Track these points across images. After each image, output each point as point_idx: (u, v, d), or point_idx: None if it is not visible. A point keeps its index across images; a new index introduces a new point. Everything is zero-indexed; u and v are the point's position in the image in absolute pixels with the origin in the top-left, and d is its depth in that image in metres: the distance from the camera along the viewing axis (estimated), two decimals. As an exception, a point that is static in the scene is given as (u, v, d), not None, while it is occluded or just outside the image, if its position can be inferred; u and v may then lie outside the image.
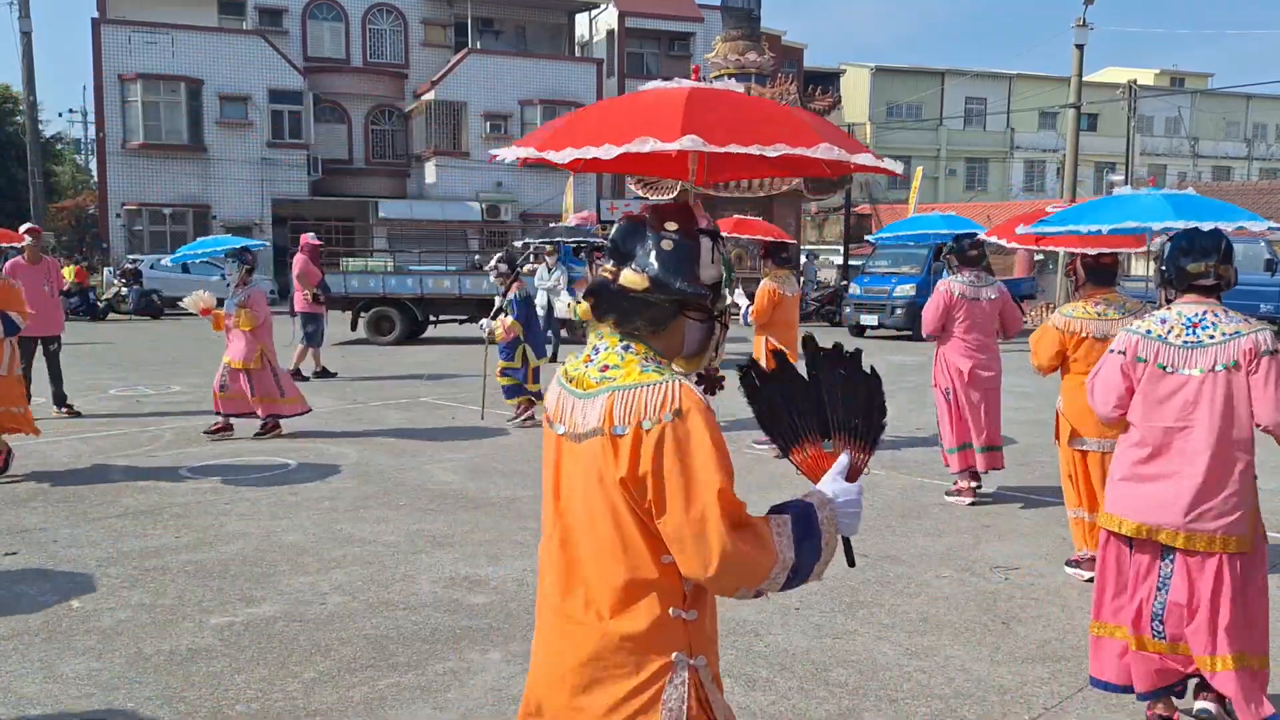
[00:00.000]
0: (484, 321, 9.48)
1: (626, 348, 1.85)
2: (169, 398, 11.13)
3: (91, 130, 37.90)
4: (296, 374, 12.73)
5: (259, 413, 8.60)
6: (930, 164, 40.52)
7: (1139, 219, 4.49)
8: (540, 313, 14.82)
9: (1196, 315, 3.34)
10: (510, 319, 9.14)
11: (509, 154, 2.53)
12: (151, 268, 26.85)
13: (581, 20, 39.29)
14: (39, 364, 9.66)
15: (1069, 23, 23.58)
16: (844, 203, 32.21)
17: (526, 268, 22.39)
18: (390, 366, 14.20)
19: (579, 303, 9.61)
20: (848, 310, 21.02)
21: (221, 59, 31.54)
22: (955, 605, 4.69)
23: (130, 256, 28.12)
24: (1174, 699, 3.43)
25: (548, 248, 15.47)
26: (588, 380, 1.85)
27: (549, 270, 14.98)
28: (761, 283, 8.41)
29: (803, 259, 27.39)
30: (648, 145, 1.94)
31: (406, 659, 4.04)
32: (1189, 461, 3.24)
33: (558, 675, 1.87)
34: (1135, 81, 32.45)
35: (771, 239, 9.66)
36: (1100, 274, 5.08)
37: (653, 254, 1.82)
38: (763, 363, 1.95)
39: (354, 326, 18.38)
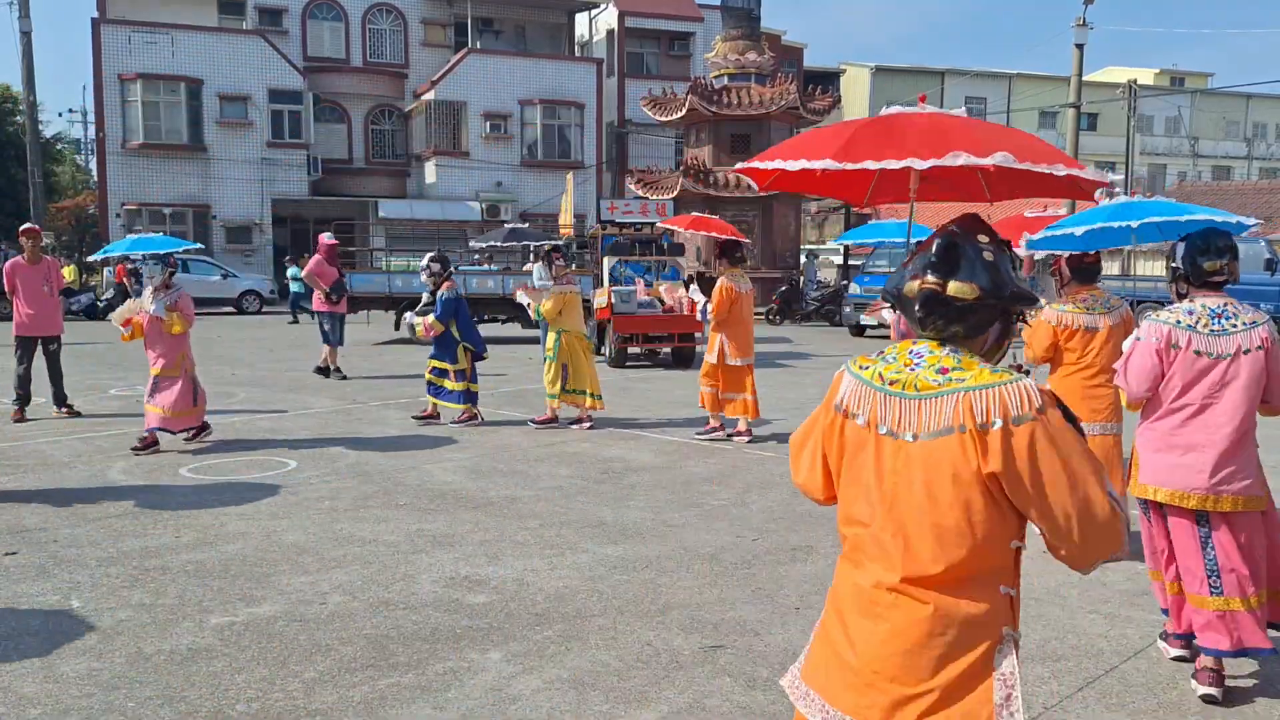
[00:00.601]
0: (409, 316, 9.31)
1: (954, 351, 2.05)
2: (169, 397, 11.12)
3: (91, 130, 37.93)
4: (328, 372, 12.75)
5: (153, 423, 7.96)
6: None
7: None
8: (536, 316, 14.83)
9: (1219, 308, 3.80)
10: (431, 317, 9.14)
11: (803, 165, 2.85)
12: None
13: (581, 20, 39.29)
14: (38, 363, 9.67)
15: (1069, 22, 23.60)
16: (844, 202, 32.21)
17: (525, 266, 22.43)
18: (390, 366, 14.21)
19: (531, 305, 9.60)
20: (847, 310, 21.04)
21: (221, 59, 31.55)
22: (955, 605, 4.68)
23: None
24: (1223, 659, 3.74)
25: (546, 246, 15.46)
26: (924, 383, 2.02)
27: (548, 268, 14.95)
28: (718, 280, 8.51)
29: (803, 259, 27.40)
30: (960, 159, 2.31)
31: (406, 659, 4.04)
32: (1214, 433, 3.71)
33: (889, 662, 2.00)
34: (1135, 81, 32.46)
35: (726, 237, 9.81)
36: (1084, 272, 5.49)
37: (977, 265, 2.02)
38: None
39: (397, 326, 18.40)
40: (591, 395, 9.28)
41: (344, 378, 12.70)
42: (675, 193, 21.89)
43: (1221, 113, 50.55)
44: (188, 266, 27.72)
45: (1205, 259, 3.80)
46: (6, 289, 9.56)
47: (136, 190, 30.95)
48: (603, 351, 15.46)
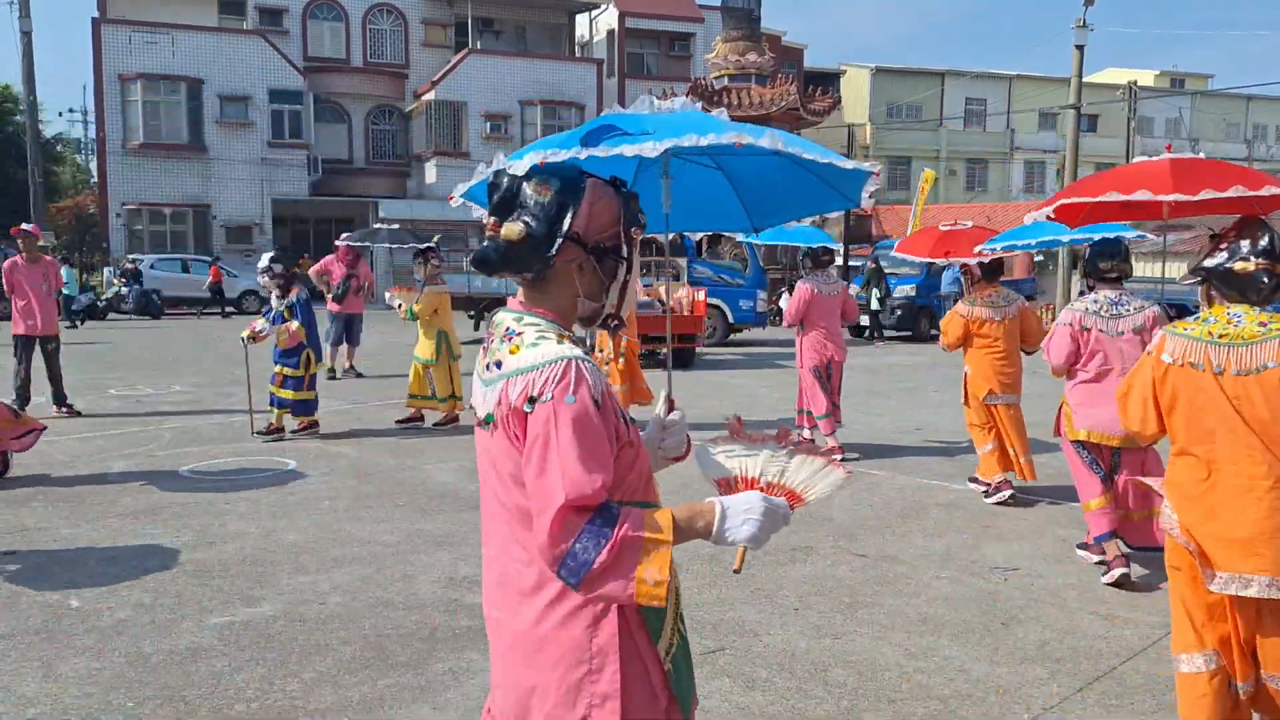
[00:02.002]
0: (259, 324, 8.55)
1: (1264, 310, 2.91)
2: (169, 398, 11.13)
3: (92, 130, 37.93)
4: (332, 374, 12.74)
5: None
6: (930, 165, 40.48)
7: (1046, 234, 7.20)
8: None
9: (1116, 297, 5.16)
10: (296, 324, 8.43)
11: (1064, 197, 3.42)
12: (152, 267, 26.88)
13: (582, 20, 39.27)
14: (36, 362, 9.67)
15: (1069, 23, 23.60)
16: (844, 203, 32.15)
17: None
18: (390, 366, 14.19)
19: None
20: None
21: (222, 59, 31.54)
22: (954, 606, 4.69)
23: (130, 256, 28.13)
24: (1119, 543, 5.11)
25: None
26: (1250, 333, 2.87)
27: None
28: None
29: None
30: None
31: (406, 659, 4.04)
32: (1113, 389, 4.63)
33: (1268, 524, 2.82)
34: (1135, 82, 32.49)
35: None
36: (992, 272, 6.85)
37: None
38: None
39: (476, 326, 18.46)
40: (455, 398, 9.27)
41: (332, 377, 12.67)
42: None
43: (1222, 114, 50.53)
44: (187, 267, 27.76)
45: (1101, 260, 5.17)
46: (6, 289, 9.57)
47: (137, 190, 30.94)
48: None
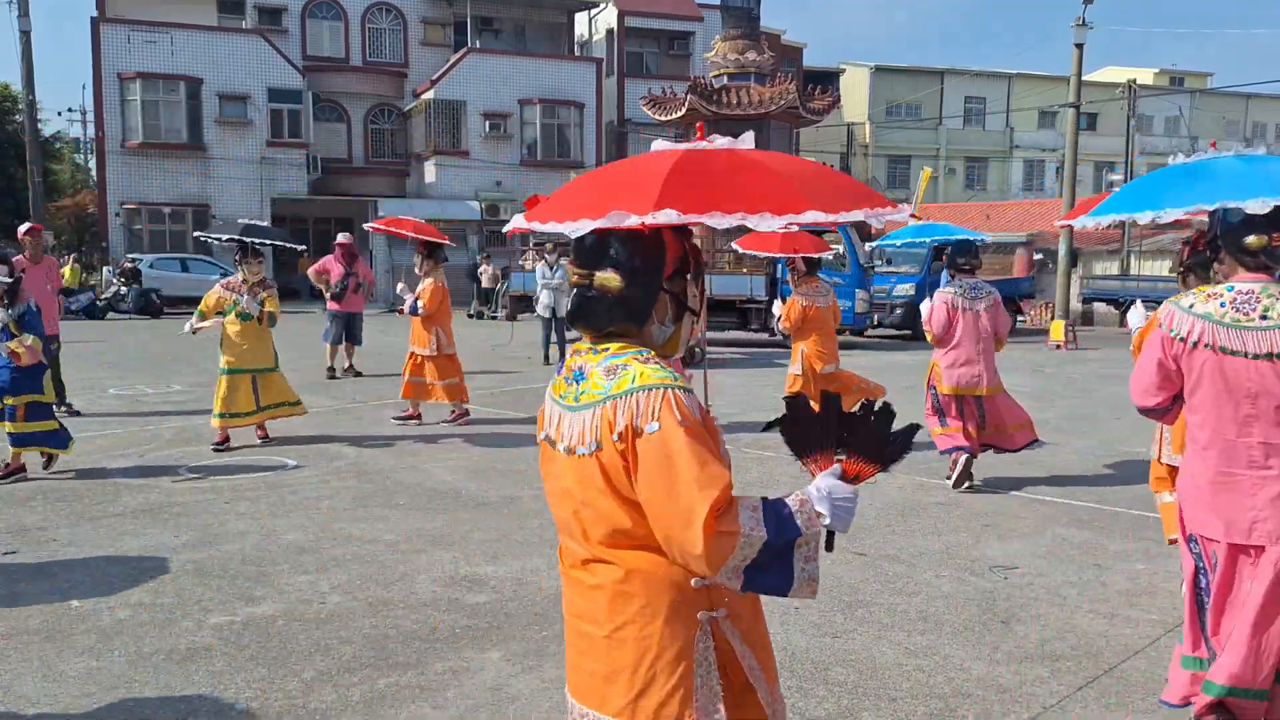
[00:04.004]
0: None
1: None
2: (169, 397, 11.13)
3: (91, 129, 37.88)
4: (331, 373, 12.73)
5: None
6: (930, 163, 40.49)
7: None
8: (544, 314, 14.78)
9: (973, 283, 7.27)
10: (31, 338, 6.86)
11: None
12: (151, 266, 26.86)
13: (581, 19, 39.24)
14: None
15: (1068, 22, 23.58)
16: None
17: (526, 266, 22.40)
18: (390, 366, 14.18)
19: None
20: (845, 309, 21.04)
21: (221, 58, 31.50)
22: (954, 604, 4.69)
23: (129, 255, 28.11)
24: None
25: (548, 245, 15.34)
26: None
27: (550, 268, 14.86)
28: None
29: (802, 258, 27.32)
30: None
31: (406, 658, 4.04)
32: (973, 353, 7.07)
33: None
34: (1135, 81, 32.45)
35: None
36: (814, 266, 8.37)
37: None
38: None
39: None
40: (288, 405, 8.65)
41: (332, 376, 12.68)
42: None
43: (1221, 113, 50.51)
44: (187, 266, 27.74)
45: (960, 257, 7.22)
46: None
47: (136, 189, 30.91)
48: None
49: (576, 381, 1.94)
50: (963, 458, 6.92)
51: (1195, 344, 3.07)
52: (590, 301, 1.93)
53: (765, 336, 18.13)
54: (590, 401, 1.88)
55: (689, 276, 2.00)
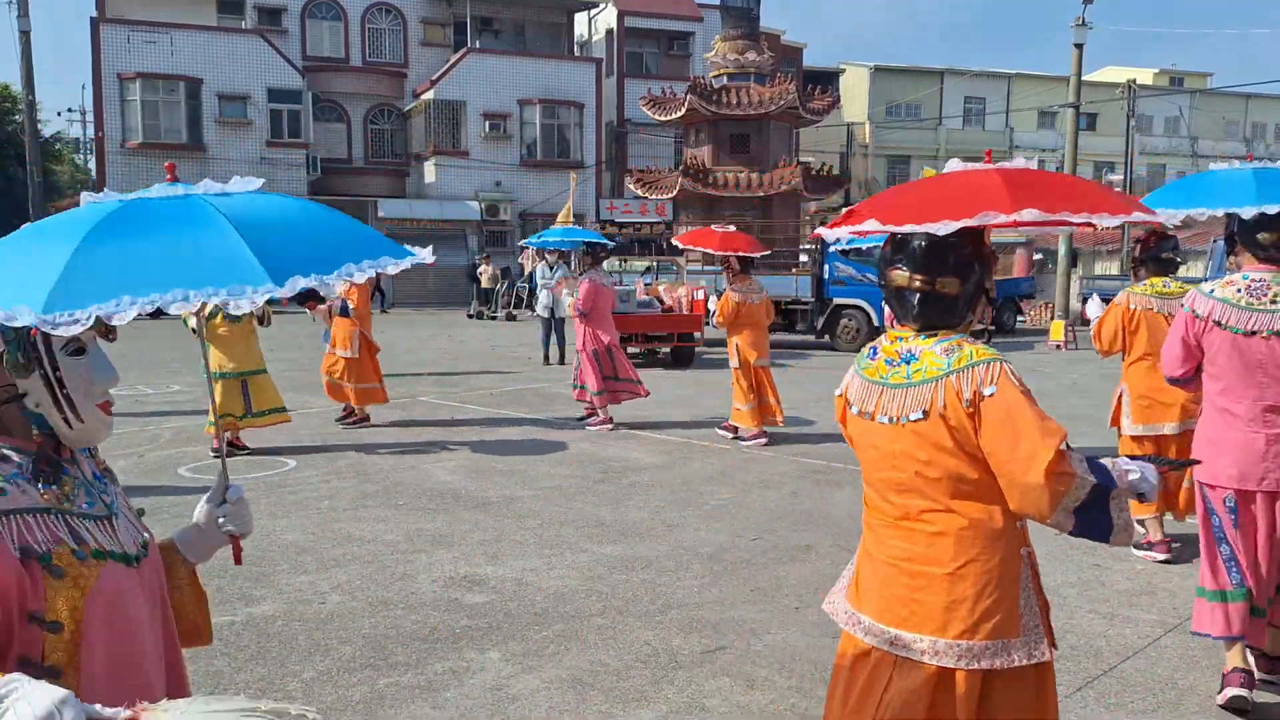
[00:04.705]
0: None
1: None
2: (169, 397, 11.12)
3: (90, 129, 37.87)
4: None
5: None
6: (929, 163, 40.49)
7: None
8: (543, 314, 14.80)
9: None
10: None
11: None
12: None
13: (581, 19, 39.24)
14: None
15: (1068, 22, 23.59)
16: (843, 202, 32.20)
17: (526, 267, 22.41)
18: (390, 366, 14.18)
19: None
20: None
21: (220, 58, 31.50)
22: (954, 605, 4.69)
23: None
24: None
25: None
26: None
27: (550, 269, 14.90)
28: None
29: (802, 257, 27.35)
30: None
31: (405, 658, 4.04)
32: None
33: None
34: (1134, 81, 32.46)
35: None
36: (747, 265, 8.79)
37: None
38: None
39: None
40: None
41: None
42: (674, 192, 21.86)
43: (1221, 113, 50.53)
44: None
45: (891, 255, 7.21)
46: None
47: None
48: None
49: (907, 362, 2.30)
50: None
51: (1218, 322, 3.59)
52: (931, 302, 2.31)
53: (812, 338, 18.00)
54: (931, 377, 2.24)
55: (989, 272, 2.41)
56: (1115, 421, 5.64)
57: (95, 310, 1.33)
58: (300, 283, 1.45)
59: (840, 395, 2.47)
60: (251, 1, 33.46)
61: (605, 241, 11.42)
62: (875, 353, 2.39)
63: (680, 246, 9.83)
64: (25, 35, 26.10)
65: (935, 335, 2.31)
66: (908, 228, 2.24)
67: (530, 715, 3.57)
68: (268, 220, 1.57)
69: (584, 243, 10.25)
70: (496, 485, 7.04)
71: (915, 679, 2.25)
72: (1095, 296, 5.83)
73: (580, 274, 9.57)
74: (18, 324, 1.33)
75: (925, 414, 2.23)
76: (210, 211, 1.56)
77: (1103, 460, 2.16)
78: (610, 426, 9.25)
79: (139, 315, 1.38)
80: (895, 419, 2.27)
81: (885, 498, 2.35)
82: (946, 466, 2.23)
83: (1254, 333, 3.51)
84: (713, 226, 10.37)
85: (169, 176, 1.79)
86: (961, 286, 2.30)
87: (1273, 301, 3.52)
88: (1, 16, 52.27)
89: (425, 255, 1.68)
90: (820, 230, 2.63)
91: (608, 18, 37.83)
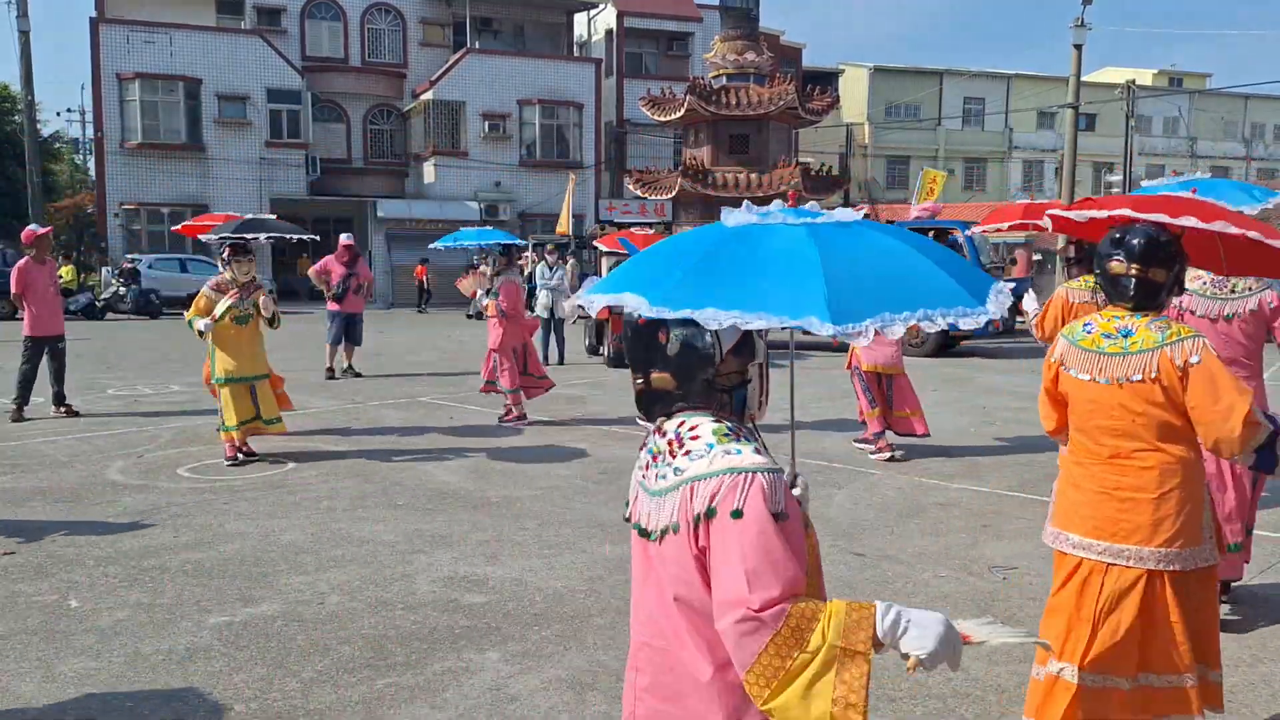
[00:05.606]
0: None
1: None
2: (168, 398, 11.12)
3: (90, 129, 37.88)
4: (331, 374, 12.76)
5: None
6: (929, 164, 40.47)
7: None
8: (543, 315, 14.79)
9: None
10: None
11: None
12: (150, 267, 26.85)
13: (580, 20, 39.22)
14: (41, 364, 9.67)
15: (1067, 23, 23.59)
16: (843, 202, 32.20)
17: (525, 267, 22.37)
18: (390, 366, 14.19)
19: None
20: None
21: (220, 58, 31.48)
22: (953, 605, 4.69)
23: (128, 256, 28.10)
24: None
25: (549, 245, 15.36)
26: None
27: (550, 269, 14.88)
28: None
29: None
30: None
31: (405, 658, 4.04)
32: (882, 341, 7.74)
33: None
34: (1134, 81, 32.49)
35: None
36: None
37: None
38: None
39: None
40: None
41: (331, 377, 12.70)
42: (674, 193, 21.84)
43: (1220, 113, 50.55)
44: (186, 266, 27.72)
45: None
46: (18, 290, 9.61)
47: (135, 190, 30.90)
48: (601, 351, 15.46)
49: (1125, 336, 2.94)
50: (884, 442, 8.09)
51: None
52: (1143, 287, 2.95)
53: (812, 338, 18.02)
54: (1148, 347, 2.89)
55: None
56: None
57: (870, 324, 1.74)
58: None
59: (1055, 362, 3.12)
60: (251, 2, 33.45)
61: (520, 243, 12.03)
62: (1091, 327, 3.03)
63: None
64: (25, 35, 26.10)
65: (1146, 315, 2.95)
66: (1159, 217, 2.97)
67: (530, 715, 3.57)
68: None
69: (500, 244, 10.22)
70: (495, 485, 7.04)
71: (1124, 581, 2.91)
72: (1031, 293, 6.42)
73: (499, 275, 9.68)
74: (817, 331, 1.72)
75: (1143, 376, 2.87)
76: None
77: (1273, 412, 2.91)
78: (526, 421, 9.51)
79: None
80: (1114, 380, 2.92)
81: (1098, 441, 2.99)
82: (1158, 416, 2.88)
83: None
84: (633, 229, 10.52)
85: (789, 203, 2.12)
86: (1167, 276, 2.95)
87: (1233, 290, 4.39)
88: (1, 16, 52.28)
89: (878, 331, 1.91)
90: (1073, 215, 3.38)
91: (607, 18, 37.82)
